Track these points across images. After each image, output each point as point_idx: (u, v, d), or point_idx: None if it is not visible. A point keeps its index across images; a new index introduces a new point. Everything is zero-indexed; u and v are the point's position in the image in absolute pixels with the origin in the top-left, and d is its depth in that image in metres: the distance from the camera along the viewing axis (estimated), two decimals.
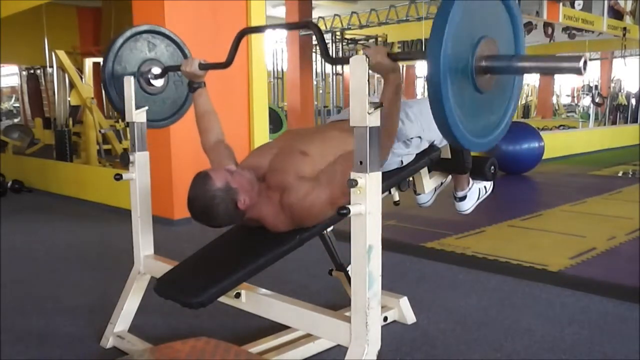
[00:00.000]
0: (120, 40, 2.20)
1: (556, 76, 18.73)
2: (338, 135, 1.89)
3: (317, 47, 13.40)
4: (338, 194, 1.69)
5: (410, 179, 2.25)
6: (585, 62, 1.28)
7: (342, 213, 1.45)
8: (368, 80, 1.43)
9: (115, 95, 2.24)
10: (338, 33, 12.23)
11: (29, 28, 8.49)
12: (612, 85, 13.92)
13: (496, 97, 1.50)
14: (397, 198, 2.20)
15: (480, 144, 1.47)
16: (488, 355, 2.21)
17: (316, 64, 13.34)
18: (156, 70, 2.28)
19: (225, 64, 1.98)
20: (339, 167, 1.72)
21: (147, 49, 2.28)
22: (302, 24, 1.79)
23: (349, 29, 12.07)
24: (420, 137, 2.03)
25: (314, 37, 12.63)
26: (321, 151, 1.83)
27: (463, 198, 2.38)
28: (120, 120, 7.15)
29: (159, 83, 2.31)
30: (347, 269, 2.34)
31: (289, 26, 1.82)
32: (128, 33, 2.22)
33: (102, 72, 2.22)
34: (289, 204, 1.73)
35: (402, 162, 2.05)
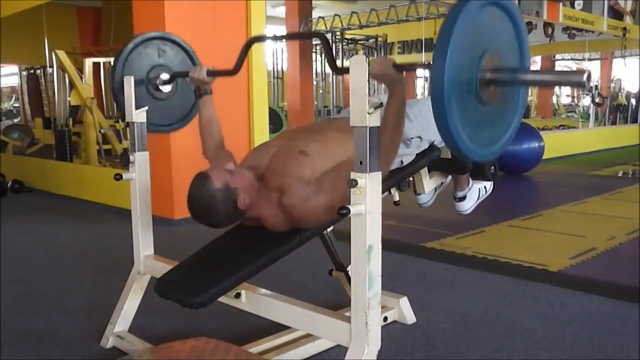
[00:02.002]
0: (130, 46, 2.22)
1: None
2: (338, 136, 1.88)
3: (318, 48, 13.45)
4: (339, 200, 1.65)
5: (410, 179, 2.24)
6: (588, 76, 1.31)
7: (342, 213, 1.45)
8: (368, 80, 1.43)
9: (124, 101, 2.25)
10: (338, 33, 12.23)
11: (29, 28, 8.48)
12: (612, 85, 13.91)
13: (501, 109, 1.50)
14: (397, 198, 2.20)
15: (484, 154, 1.48)
16: (488, 355, 2.21)
17: (316, 64, 13.33)
18: (165, 76, 2.30)
19: (233, 72, 2.01)
20: (341, 174, 1.70)
21: (156, 55, 2.30)
22: (310, 35, 1.82)
23: (349, 29, 12.07)
24: (420, 137, 2.03)
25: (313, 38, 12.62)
26: (320, 151, 1.83)
27: (463, 198, 2.38)
28: (120, 120, 7.16)
29: (167, 89, 2.33)
30: (347, 269, 2.34)
31: (297, 36, 1.82)
32: (138, 39, 2.24)
33: (112, 77, 2.24)
34: (289, 205, 1.73)
35: (402, 162, 2.05)
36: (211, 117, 2.14)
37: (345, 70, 1.49)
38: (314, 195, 1.71)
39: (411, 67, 1.74)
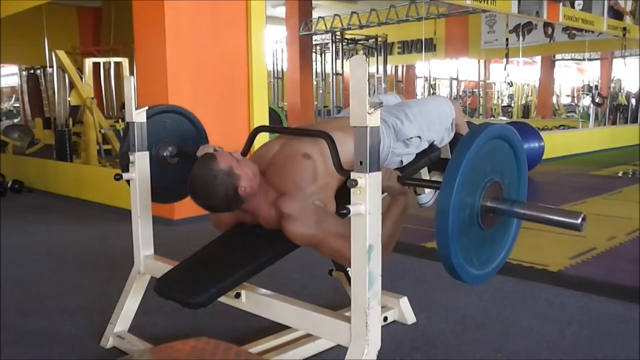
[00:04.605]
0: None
1: (556, 76, 18.74)
2: (340, 136, 1.89)
3: (317, 48, 13.43)
4: (338, 245, 1.69)
5: None
6: (583, 219, 1.38)
7: (342, 213, 1.45)
8: (368, 80, 1.43)
9: None
10: (338, 33, 12.24)
11: (29, 28, 8.50)
12: (612, 85, 13.91)
13: (498, 232, 1.61)
14: None
15: (480, 276, 1.57)
16: (488, 355, 2.21)
17: (316, 64, 13.33)
18: (172, 149, 2.33)
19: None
20: (345, 223, 1.66)
21: (162, 127, 2.33)
22: (315, 133, 1.82)
23: (349, 29, 12.08)
24: (419, 137, 2.03)
25: (314, 37, 12.66)
26: (322, 151, 1.83)
27: None
28: (120, 120, 7.15)
29: (174, 161, 2.35)
30: (347, 269, 2.34)
31: (304, 132, 1.83)
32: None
33: (120, 158, 2.29)
34: (285, 213, 1.73)
35: (402, 162, 2.05)
36: None
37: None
38: (315, 230, 1.70)
39: (415, 184, 1.79)
